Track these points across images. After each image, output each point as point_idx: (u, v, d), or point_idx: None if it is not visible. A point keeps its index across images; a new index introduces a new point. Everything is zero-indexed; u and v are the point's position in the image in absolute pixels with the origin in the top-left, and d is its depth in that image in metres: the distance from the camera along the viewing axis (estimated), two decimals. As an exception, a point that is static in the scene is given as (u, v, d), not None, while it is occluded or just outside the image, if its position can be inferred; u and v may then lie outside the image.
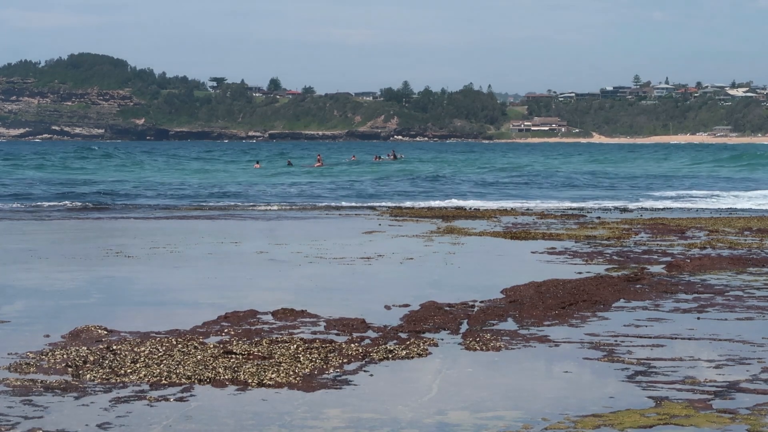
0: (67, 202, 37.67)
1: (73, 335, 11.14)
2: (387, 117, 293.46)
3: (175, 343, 10.59)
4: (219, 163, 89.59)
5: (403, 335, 11.29)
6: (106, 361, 9.78)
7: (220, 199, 40.61)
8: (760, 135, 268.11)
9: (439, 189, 50.37)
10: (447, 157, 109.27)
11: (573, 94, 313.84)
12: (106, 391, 8.82)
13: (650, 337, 11.19)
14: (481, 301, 13.53)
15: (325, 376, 9.41)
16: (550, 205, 37.40)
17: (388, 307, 13.15)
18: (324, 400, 8.61)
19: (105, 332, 11.29)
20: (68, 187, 49.54)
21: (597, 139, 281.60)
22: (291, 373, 9.40)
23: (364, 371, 9.63)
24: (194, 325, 11.78)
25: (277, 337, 10.99)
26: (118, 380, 9.17)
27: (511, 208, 34.70)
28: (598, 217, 29.87)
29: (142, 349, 10.29)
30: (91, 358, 9.89)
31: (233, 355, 10.08)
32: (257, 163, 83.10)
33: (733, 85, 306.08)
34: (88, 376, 9.29)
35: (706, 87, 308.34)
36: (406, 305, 13.22)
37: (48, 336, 11.13)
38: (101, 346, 10.42)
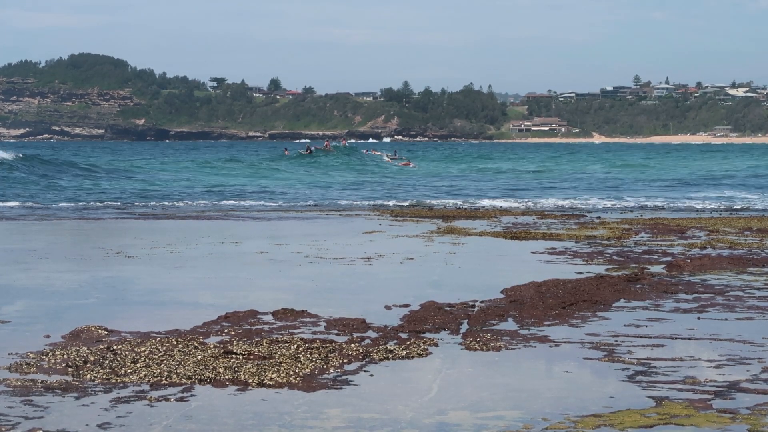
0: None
1: (73, 335, 11.14)
2: (387, 117, 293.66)
3: (175, 343, 10.58)
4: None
5: (404, 335, 11.29)
6: (107, 361, 9.78)
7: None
8: (760, 135, 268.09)
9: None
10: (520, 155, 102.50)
11: (573, 94, 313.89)
12: (107, 391, 8.82)
13: (650, 337, 11.19)
14: (482, 301, 13.53)
15: (325, 376, 9.41)
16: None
17: (388, 307, 13.14)
18: (324, 400, 8.61)
19: (105, 332, 11.29)
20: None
21: (597, 139, 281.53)
22: (291, 373, 9.40)
23: (365, 371, 9.62)
24: (194, 325, 11.78)
25: (277, 337, 10.99)
26: (119, 380, 9.17)
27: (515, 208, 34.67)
28: (599, 217, 29.88)
29: (143, 349, 10.29)
30: (92, 358, 9.89)
31: (233, 355, 10.08)
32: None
33: (733, 85, 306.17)
34: (89, 376, 9.29)
35: (706, 87, 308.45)
36: (407, 305, 13.21)
37: (48, 336, 11.13)
38: (101, 346, 10.42)
